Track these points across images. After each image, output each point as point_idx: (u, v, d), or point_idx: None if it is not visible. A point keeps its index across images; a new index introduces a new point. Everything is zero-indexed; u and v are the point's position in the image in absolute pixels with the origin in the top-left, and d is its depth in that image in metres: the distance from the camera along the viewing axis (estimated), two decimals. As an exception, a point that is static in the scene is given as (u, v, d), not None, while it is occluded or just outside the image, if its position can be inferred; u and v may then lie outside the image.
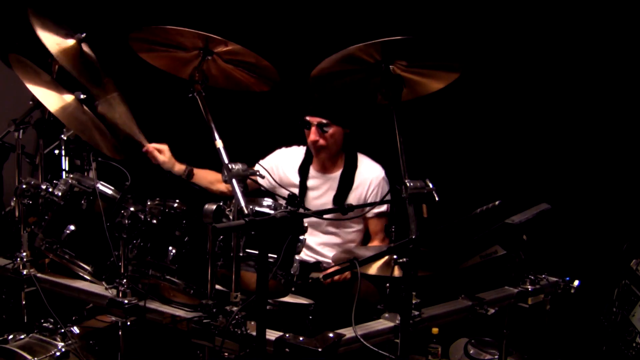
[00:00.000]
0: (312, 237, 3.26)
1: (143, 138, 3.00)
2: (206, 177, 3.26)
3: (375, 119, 2.86)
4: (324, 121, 3.12)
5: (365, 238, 3.36)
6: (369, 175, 3.25)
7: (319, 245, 3.28)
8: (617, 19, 3.36)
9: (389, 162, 3.27)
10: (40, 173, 2.77)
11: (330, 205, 3.23)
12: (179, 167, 3.14)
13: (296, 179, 3.30)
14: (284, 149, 3.42)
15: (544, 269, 2.72)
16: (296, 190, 3.27)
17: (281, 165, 3.35)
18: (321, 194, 3.28)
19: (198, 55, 2.42)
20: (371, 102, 2.43)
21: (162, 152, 3.06)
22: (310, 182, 3.28)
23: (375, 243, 3.27)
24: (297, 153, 3.36)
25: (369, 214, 3.26)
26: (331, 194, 3.25)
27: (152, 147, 3.04)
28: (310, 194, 3.28)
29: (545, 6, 3.49)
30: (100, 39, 3.00)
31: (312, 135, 3.15)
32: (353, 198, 3.23)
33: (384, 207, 3.26)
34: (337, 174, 3.27)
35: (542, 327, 2.72)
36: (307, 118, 3.15)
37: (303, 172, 3.29)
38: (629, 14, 3.33)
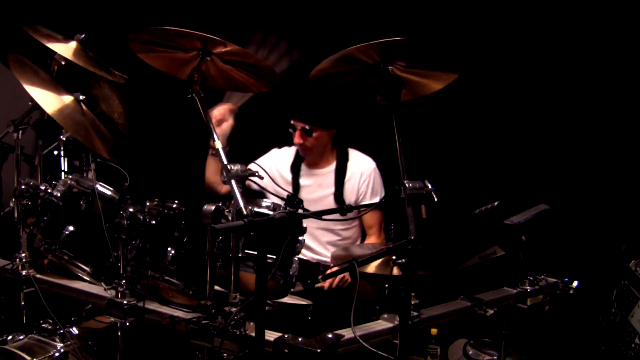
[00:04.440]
0: (309, 235, 3.25)
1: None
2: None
3: (374, 119, 2.86)
4: (307, 127, 3.16)
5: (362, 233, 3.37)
6: (361, 167, 3.27)
7: (315, 242, 3.29)
8: (617, 19, 3.37)
9: (388, 163, 3.27)
10: (39, 174, 2.76)
11: (323, 201, 3.25)
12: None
13: (289, 177, 3.32)
14: (276, 150, 3.45)
15: (543, 269, 2.72)
16: (290, 188, 3.28)
17: (275, 164, 3.37)
18: (314, 189, 3.30)
19: (197, 56, 2.41)
20: (369, 102, 2.42)
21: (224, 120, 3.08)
22: (302, 180, 3.31)
23: (371, 238, 3.28)
24: (288, 152, 3.39)
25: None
26: (323, 190, 3.27)
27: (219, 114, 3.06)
28: (303, 191, 3.29)
29: (544, 6, 3.49)
30: (99, 40, 3.00)
31: (296, 138, 3.20)
32: (346, 190, 3.25)
33: (376, 198, 3.27)
34: (328, 169, 3.29)
35: (541, 328, 2.72)
36: (292, 121, 3.20)
37: (295, 169, 3.32)
38: (629, 14, 3.33)
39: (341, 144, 3.32)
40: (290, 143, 3.38)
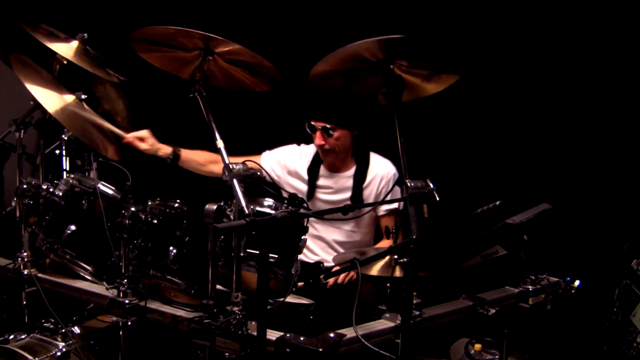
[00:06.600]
0: (330, 234, 3.25)
1: (121, 132, 2.93)
2: (195, 158, 3.18)
3: (376, 120, 2.85)
4: (328, 126, 3.10)
5: (377, 236, 3.34)
6: (381, 171, 3.23)
7: (335, 242, 3.26)
8: (617, 19, 3.36)
9: (390, 162, 3.28)
10: (41, 173, 2.76)
11: (339, 205, 3.20)
12: (164, 151, 3.05)
13: (306, 177, 3.28)
14: (295, 146, 3.39)
15: (544, 269, 2.72)
16: (305, 188, 3.25)
17: (291, 161, 3.32)
18: (331, 192, 3.26)
19: (199, 56, 2.42)
20: (372, 102, 2.42)
21: (143, 140, 2.99)
22: (320, 182, 3.26)
23: (385, 241, 3.25)
24: (308, 151, 3.33)
25: (380, 212, 3.24)
26: (342, 193, 3.23)
27: (131, 136, 2.96)
28: (320, 193, 3.26)
29: (545, 7, 3.49)
30: (101, 39, 3.00)
31: (317, 140, 3.13)
32: (365, 195, 3.21)
33: (394, 204, 3.21)
34: (348, 173, 3.25)
35: (543, 327, 2.72)
36: (312, 122, 3.14)
37: (313, 171, 3.26)
38: (629, 14, 3.33)
39: (362, 147, 3.26)
40: (299, 141, 3.36)
